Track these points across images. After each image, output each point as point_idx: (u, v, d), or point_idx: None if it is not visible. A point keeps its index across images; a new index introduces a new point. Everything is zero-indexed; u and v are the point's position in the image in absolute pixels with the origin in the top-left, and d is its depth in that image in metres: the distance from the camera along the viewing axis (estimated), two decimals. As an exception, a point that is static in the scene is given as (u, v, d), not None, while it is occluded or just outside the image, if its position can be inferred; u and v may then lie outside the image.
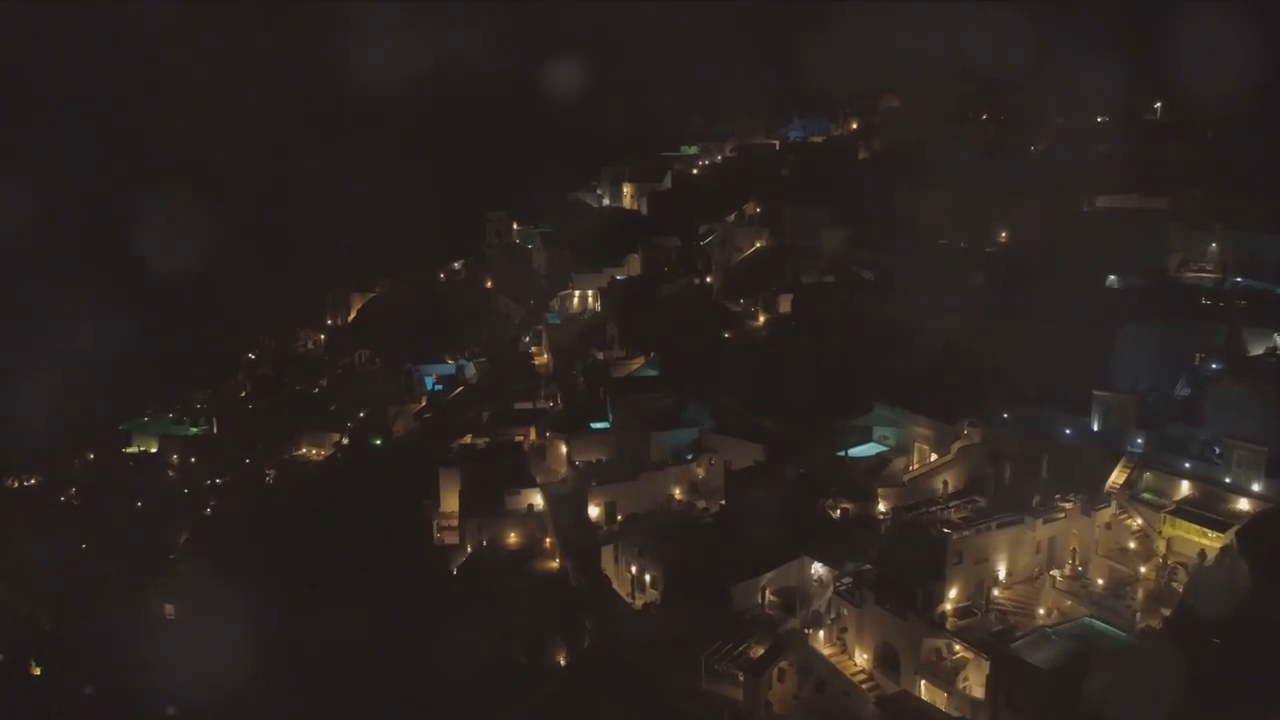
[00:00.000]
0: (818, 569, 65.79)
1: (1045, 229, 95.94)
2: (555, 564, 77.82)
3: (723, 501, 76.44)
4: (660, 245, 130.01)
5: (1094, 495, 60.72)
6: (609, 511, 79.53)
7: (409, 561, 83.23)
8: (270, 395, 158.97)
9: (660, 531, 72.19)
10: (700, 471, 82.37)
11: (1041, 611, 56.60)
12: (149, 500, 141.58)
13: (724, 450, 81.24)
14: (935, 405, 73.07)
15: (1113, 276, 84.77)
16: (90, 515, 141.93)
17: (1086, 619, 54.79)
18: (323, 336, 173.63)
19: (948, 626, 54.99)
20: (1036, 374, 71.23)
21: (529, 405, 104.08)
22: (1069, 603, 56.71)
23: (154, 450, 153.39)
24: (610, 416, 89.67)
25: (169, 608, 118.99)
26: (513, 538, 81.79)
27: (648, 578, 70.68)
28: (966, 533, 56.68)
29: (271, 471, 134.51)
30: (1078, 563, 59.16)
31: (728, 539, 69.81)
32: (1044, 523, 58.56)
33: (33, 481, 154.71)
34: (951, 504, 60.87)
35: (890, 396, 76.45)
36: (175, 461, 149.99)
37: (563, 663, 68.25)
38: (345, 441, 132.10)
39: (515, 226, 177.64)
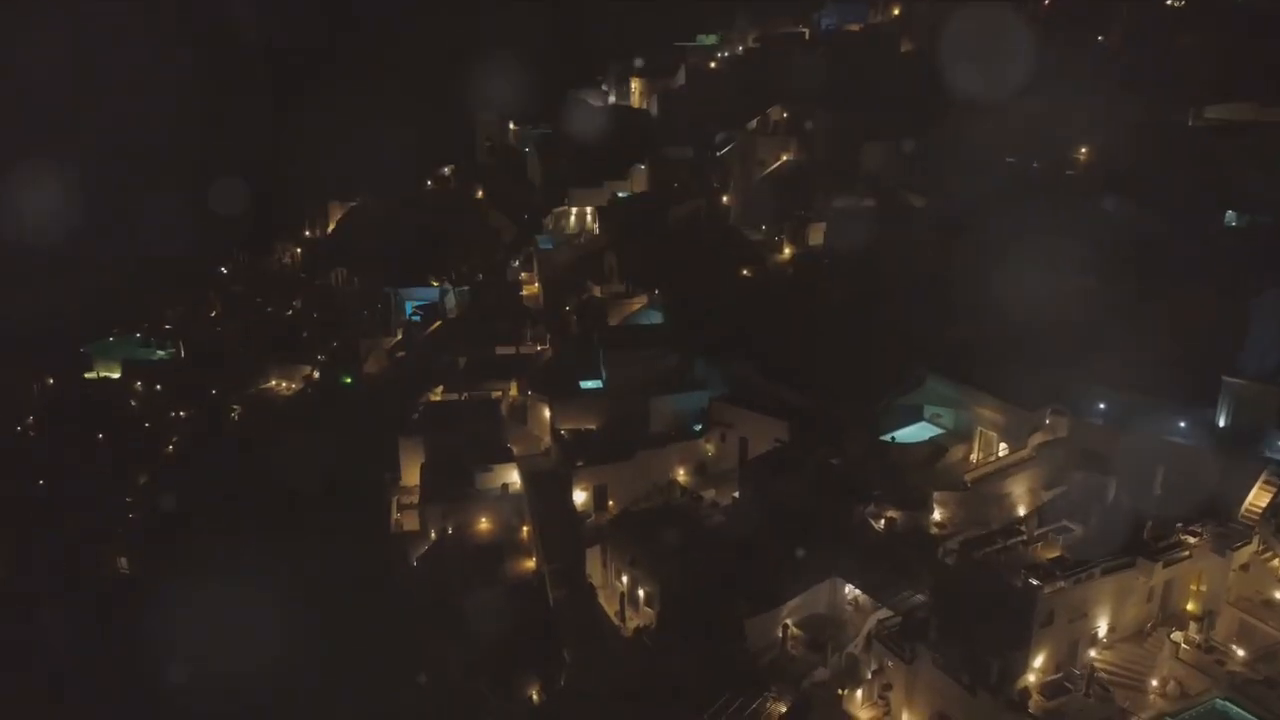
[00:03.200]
0: (853, 591, 52.45)
1: (1138, 147, 78.44)
2: (532, 563, 64.59)
3: (735, 494, 62.48)
4: (670, 157, 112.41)
5: (1223, 521, 46.26)
6: (598, 497, 65.97)
7: (362, 553, 70.12)
8: (241, 317, 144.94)
9: (658, 535, 58.33)
10: (710, 449, 68.23)
11: (1154, 683, 42.82)
12: (110, 434, 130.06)
13: (739, 425, 66.88)
14: (1007, 382, 57.86)
15: (1231, 212, 67.96)
16: (48, 449, 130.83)
17: (1219, 702, 41.08)
18: (299, 250, 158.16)
19: (1031, 708, 41.42)
20: (1141, 346, 56.07)
21: (512, 350, 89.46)
22: (1186, 671, 42.91)
23: (116, 376, 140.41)
24: (604, 374, 75.08)
25: (122, 561, 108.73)
26: (483, 524, 68.50)
27: (641, 593, 57.35)
28: (1062, 584, 42.38)
29: (237, 408, 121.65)
30: (1202, 614, 44.96)
31: (741, 547, 56.10)
32: (1164, 566, 44.22)
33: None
34: (1037, 534, 46.30)
35: (948, 366, 61.23)
36: (139, 389, 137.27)
37: (535, 698, 55.59)
38: (316, 376, 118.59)
39: (512, 127, 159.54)
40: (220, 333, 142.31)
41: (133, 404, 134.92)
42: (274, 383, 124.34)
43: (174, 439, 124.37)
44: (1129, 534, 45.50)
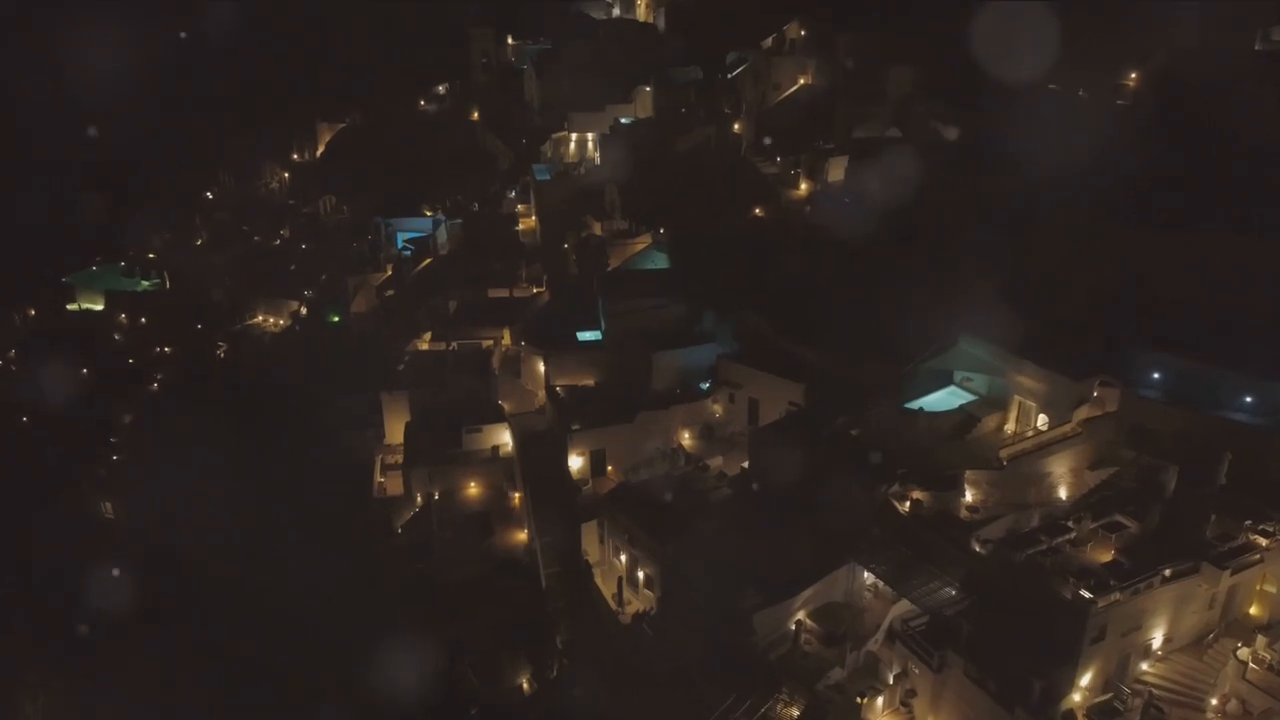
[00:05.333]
0: (872, 578, 47.79)
1: (1197, 75, 70.53)
2: (523, 535, 59.97)
3: (744, 464, 57.30)
4: (677, 78, 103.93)
5: (1294, 515, 41.02)
6: (595, 462, 60.95)
7: (345, 518, 65.49)
8: (227, 247, 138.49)
9: (659, 512, 53.41)
10: (717, 410, 62.89)
11: (1214, 702, 38.23)
12: (94, 369, 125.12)
13: (749, 385, 61.41)
14: (1049, 346, 51.86)
15: (1303, 152, 60.63)
16: (29, 385, 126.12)
17: (1290, 729, 36.48)
18: (287, 175, 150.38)
19: (1076, 732, 36.90)
20: (1202, 305, 50.11)
21: (506, 293, 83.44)
22: (1250, 690, 38.20)
23: (99, 308, 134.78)
24: (603, 325, 69.27)
25: (107, 505, 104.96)
26: (472, 489, 63.73)
27: (641, 574, 52.85)
28: (1117, 595, 37.29)
29: (223, 345, 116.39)
30: (1269, 623, 40.10)
31: (749, 526, 51.21)
32: (1231, 573, 39.07)
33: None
34: (1089, 532, 40.98)
35: (983, 326, 55.14)
36: (123, 322, 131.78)
37: (525, 687, 51.52)
38: (303, 312, 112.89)
39: (510, 41, 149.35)
40: (206, 264, 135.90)
41: (116, 337, 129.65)
42: (261, 318, 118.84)
43: (159, 376, 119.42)
44: (1191, 532, 40.36)
